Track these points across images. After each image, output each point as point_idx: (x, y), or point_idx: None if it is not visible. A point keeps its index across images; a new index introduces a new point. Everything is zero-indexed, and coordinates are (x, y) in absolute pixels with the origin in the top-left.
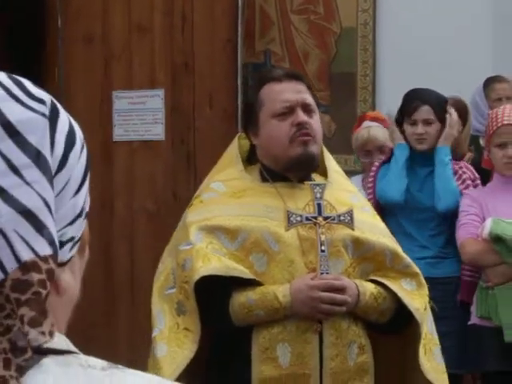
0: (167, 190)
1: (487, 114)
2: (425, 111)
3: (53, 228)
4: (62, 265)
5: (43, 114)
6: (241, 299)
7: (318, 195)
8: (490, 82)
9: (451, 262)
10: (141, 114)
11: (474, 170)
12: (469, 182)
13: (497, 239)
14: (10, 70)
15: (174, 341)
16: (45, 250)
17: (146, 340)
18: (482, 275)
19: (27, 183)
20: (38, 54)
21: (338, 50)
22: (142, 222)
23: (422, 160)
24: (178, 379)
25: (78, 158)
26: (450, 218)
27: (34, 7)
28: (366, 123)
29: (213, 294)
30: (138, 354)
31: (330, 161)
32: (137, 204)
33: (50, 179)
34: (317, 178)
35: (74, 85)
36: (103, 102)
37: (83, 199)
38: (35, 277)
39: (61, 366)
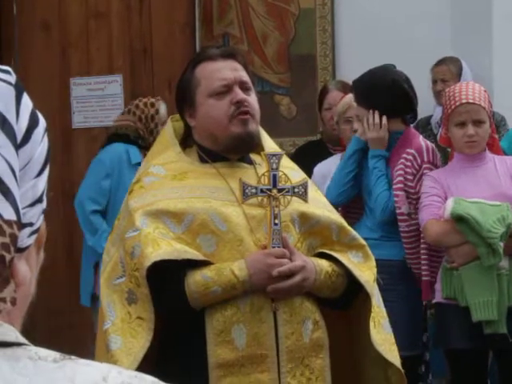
0: None
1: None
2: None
3: (17, 195)
4: (19, 250)
5: (10, 83)
6: (196, 278)
7: (274, 166)
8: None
9: (394, 245)
10: (100, 101)
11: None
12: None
13: (459, 219)
14: None
15: (128, 331)
16: (10, 214)
17: None
18: (446, 256)
19: None
20: None
21: (296, 31)
22: None
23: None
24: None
25: (41, 140)
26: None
27: None
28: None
29: (165, 278)
30: None
31: (267, 140)
32: None
33: (16, 147)
34: (254, 157)
35: (30, 72)
36: (61, 90)
37: (43, 185)
38: None
39: (9, 361)
